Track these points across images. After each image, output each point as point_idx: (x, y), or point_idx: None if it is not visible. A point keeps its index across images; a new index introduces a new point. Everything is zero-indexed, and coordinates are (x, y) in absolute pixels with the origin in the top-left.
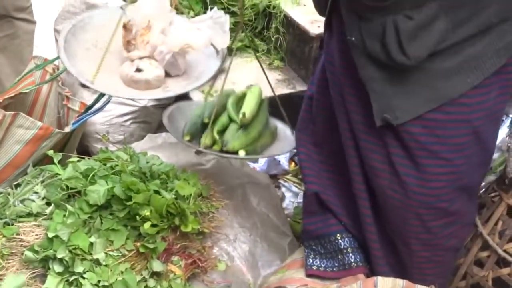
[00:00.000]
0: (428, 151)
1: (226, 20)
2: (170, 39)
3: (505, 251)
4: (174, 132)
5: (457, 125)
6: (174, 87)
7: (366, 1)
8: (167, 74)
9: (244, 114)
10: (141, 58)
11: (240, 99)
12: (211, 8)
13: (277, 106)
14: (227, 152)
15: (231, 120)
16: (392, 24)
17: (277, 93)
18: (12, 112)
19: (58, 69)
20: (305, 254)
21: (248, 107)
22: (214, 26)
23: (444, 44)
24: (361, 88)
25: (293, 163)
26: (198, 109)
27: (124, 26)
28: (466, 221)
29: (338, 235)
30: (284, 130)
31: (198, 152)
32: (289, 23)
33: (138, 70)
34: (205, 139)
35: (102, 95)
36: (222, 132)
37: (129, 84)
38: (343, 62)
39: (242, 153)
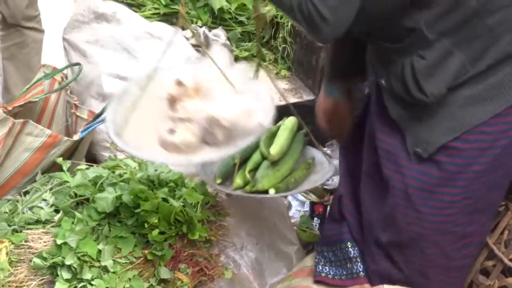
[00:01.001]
0: (448, 179)
1: (268, 97)
2: (199, 107)
3: (511, 260)
4: (205, 176)
5: (477, 153)
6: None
7: (385, 44)
8: (206, 142)
9: (269, 151)
10: (181, 119)
11: (273, 134)
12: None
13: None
14: (257, 192)
15: (263, 157)
16: (409, 64)
17: (284, 102)
18: (22, 120)
19: (66, 78)
20: (316, 260)
21: (278, 143)
22: (258, 99)
23: (464, 77)
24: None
25: None
26: None
27: (179, 82)
28: (481, 239)
29: (349, 243)
30: (321, 160)
31: (228, 195)
32: (296, 33)
33: (171, 131)
34: (237, 180)
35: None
36: (254, 170)
37: (161, 144)
38: (377, 102)
39: (272, 192)
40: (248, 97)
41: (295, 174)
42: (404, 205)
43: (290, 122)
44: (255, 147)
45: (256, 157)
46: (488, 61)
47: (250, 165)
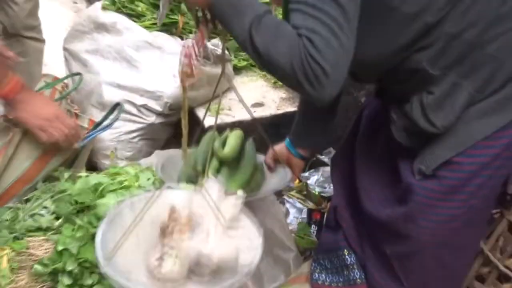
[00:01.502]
0: (449, 193)
1: (258, 235)
2: (189, 242)
3: (506, 266)
4: (169, 180)
5: (479, 167)
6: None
7: (394, 86)
8: (193, 272)
9: (221, 151)
10: (171, 248)
11: (224, 141)
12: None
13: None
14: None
15: (220, 164)
16: (418, 100)
17: (281, 111)
18: (23, 129)
19: (67, 87)
20: (312, 268)
21: (229, 144)
22: (248, 237)
23: (474, 105)
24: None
25: (297, 180)
26: (189, 157)
27: (173, 210)
28: (477, 247)
29: (345, 250)
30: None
31: None
32: None
33: (160, 259)
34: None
35: (111, 112)
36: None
37: (148, 272)
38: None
39: (240, 193)
40: (238, 234)
41: (255, 178)
42: (404, 218)
43: (237, 132)
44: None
45: (214, 163)
46: (495, 85)
47: (211, 170)
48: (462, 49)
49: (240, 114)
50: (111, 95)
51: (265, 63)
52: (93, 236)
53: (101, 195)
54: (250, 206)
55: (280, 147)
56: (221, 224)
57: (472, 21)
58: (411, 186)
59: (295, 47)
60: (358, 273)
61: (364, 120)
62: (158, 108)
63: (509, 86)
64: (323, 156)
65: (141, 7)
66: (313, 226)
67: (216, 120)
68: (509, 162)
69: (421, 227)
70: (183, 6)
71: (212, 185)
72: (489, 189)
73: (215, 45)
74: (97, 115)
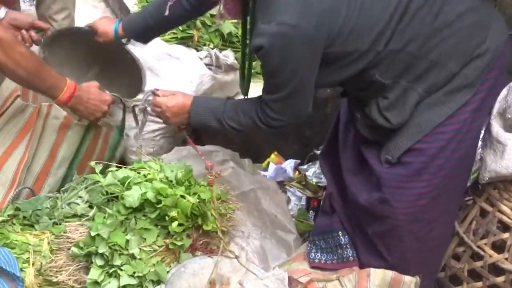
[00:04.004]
0: (414, 175)
1: (285, 277)
2: None
3: (478, 246)
4: None
5: (437, 151)
6: None
7: (355, 92)
8: None
9: None
10: None
11: None
12: (227, 41)
13: None
14: None
15: None
16: (375, 103)
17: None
18: (48, 103)
19: None
20: (308, 248)
21: None
22: (276, 281)
23: (423, 101)
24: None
25: (297, 172)
26: None
27: (210, 282)
28: (447, 221)
29: (340, 232)
30: None
31: None
32: None
33: None
34: None
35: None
36: None
37: None
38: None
39: None
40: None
41: None
42: (379, 202)
43: None
44: None
45: None
46: (439, 84)
47: None
48: (407, 60)
49: None
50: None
51: (241, 133)
52: (121, 223)
53: (128, 187)
54: (255, 195)
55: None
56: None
57: (412, 37)
58: (381, 174)
59: (255, 116)
60: (351, 252)
61: (342, 119)
62: None
63: (452, 82)
64: (319, 151)
65: None
66: (311, 211)
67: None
68: (461, 145)
69: (394, 207)
70: (197, 22)
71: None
72: (448, 170)
73: (226, 55)
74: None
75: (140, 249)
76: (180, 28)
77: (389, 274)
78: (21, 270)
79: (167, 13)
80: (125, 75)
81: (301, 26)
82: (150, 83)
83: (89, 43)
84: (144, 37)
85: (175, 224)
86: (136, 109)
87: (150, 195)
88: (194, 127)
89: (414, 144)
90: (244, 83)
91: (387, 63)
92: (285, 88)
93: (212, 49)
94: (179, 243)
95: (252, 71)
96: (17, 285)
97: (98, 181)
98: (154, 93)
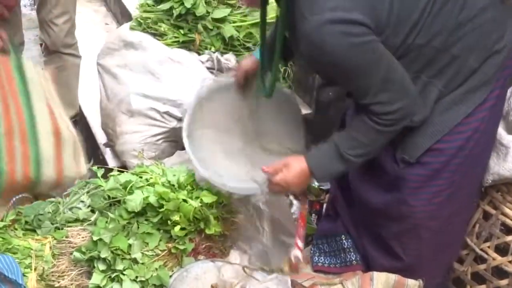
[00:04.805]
0: (434, 175)
1: (288, 280)
2: None
3: (481, 249)
4: None
5: (456, 150)
6: None
7: None
8: None
9: None
10: None
11: None
12: (229, 44)
13: None
14: None
15: None
16: None
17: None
18: None
19: None
20: (311, 252)
21: None
22: (279, 284)
23: (443, 98)
24: None
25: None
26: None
27: (212, 286)
28: (463, 217)
29: (343, 236)
30: None
31: None
32: None
33: None
34: None
35: None
36: None
37: None
38: None
39: None
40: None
41: None
42: (397, 202)
43: None
44: None
45: None
46: (459, 80)
47: None
48: (430, 54)
49: None
50: (138, 104)
51: (371, 154)
52: (123, 227)
53: (130, 191)
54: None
55: (247, 61)
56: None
57: (437, 31)
58: (399, 174)
59: (372, 123)
60: (355, 255)
61: (348, 119)
62: (179, 114)
63: (470, 80)
64: None
65: (163, 27)
66: (313, 215)
67: None
68: (479, 143)
69: (413, 206)
70: (199, 26)
71: None
72: (466, 167)
73: (227, 59)
74: (126, 121)
75: (142, 253)
76: (182, 32)
77: (392, 277)
78: (23, 275)
79: None
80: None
81: (351, 7)
82: (151, 87)
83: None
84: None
85: (177, 228)
86: (260, 204)
87: (152, 199)
88: (321, 181)
89: (434, 144)
90: (267, 83)
91: (411, 57)
92: (374, 71)
93: (214, 52)
94: (181, 247)
95: None
96: None
97: (100, 186)
98: (268, 176)
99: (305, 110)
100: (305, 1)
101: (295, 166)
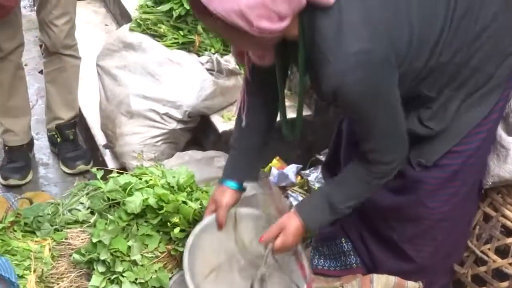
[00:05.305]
0: (452, 176)
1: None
2: None
3: (482, 251)
4: None
5: (473, 152)
6: None
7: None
8: None
9: None
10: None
11: None
12: (228, 46)
13: None
14: None
15: None
16: (416, 115)
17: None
18: None
19: None
20: (311, 254)
21: None
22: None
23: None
24: None
25: (299, 177)
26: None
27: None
28: (470, 212)
29: (343, 239)
30: None
31: None
32: None
33: None
34: None
35: None
36: None
37: None
38: None
39: None
40: None
41: None
42: (413, 204)
43: None
44: None
45: None
46: (478, 86)
47: None
48: (453, 70)
49: None
50: (138, 105)
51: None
52: (123, 229)
53: (130, 193)
54: (258, 201)
55: (227, 197)
56: None
57: (458, 47)
58: (416, 177)
59: (369, 177)
60: (354, 259)
61: (345, 132)
62: (179, 115)
63: (487, 84)
64: (321, 156)
65: (163, 28)
66: None
67: None
68: (491, 143)
69: (430, 208)
70: (199, 27)
71: None
72: (479, 167)
73: (227, 61)
74: (126, 123)
75: (142, 255)
76: (181, 33)
77: (392, 279)
78: (22, 277)
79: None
80: None
81: (376, 48)
82: (151, 89)
83: None
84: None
85: (177, 230)
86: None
87: (152, 201)
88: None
89: (452, 147)
90: (292, 129)
91: (435, 76)
92: (380, 120)
93: (214, 54)
94: (181, 249)
95: None
96: None
97: (100, 187)
98: (270, 249)
99: (305, 112)
100: (327, 44)
101: (291, 227)
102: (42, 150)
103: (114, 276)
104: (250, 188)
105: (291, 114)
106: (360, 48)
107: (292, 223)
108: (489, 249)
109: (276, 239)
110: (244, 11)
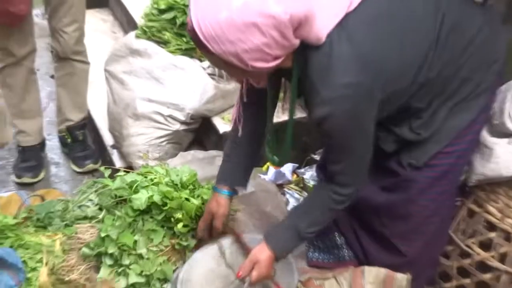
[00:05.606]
0: (442, 176)
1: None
2: None
3: (466, 245)
4: None
5: (463, 152)
6: None
7: (384, 119)
8: None
9: None
10: None
11: None
12: None
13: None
14: None
15: None
16: (407, 125)
17: (279, 120)
18: None
19: None
20: (306, 247)
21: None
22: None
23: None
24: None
25: (295, 175)
26: None
27: None
28: (451, 206)
29: (336, 234)
30: None
31: None
32: None
33: None
34: None
35: None
36: None
37: None
38: None
39: None
40: None
41: None
42: (405, 202)
43: None
44: None
45: None
46: (466, 93)
47: None
48: (442, 83)
49: None
50: (143, 107)
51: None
52: (129, 224)
53: (136, 190)
54: (258, 197)
55: (209, 206)
56: None
57: (446, 62)
58: (407, 177)
59: (326, 201)
60: (346, 252)
61: None
62: (182, 117)
63: (475, 91)
64: (316, 156)
65: (167, 35)
66: None
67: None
68: (478, 143)
69: (421, 205)
70: None
71: None
72: (464, 166)
73: None
74: (132, 124)
75: (147, 249)
76: (184, 40)
77: (382, 271)
78: (35, 269)
79: (240, 133)
80: None
81: (363, 81)
82: (155, 92)
83: None
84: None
85: (180, 225)
86: None
87: (157, 198)
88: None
89: (442, 148)
90: (279, 154)
91: (425, 90)
92: (355, 149)
93: None
94: (184, 243)
95: None
96: (19, 277)
97: (108, 185)
98: (248, 282)
99: (300, 114)
100: (317, 76)
101: (263, 258)
102: (53, 150)
103: (121, 268)
104: (249, 186)
105: (286, 116)
106: (348, 81)
107: (263, 255)
108: (473, 242)
109: (251, 272)
110: (241, 54)
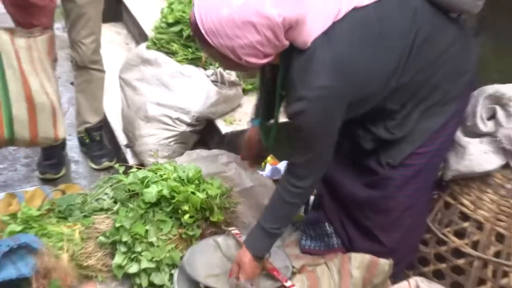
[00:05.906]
0: (416, 174)
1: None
2: None
3: (443, 234)
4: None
5: (435, 152)
6: None
7: (361, 119)
8: None
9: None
10: None
11: None
12: None
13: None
14: None
15: None
16: (383, 125)
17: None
18: None
19: None
20: (299, 236)
21: None
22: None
23: (423, 115)
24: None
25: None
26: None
27: None
28: (427, 200)
29: (326, 223)
30: None
31: None
32: None
33: None
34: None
35: None
36: None
37: None
38: None
39: None
40: None
41: None
42: (384, 198)
43: None
44: None
45: None
46: (437, 99)
47: None
48: (414, 88)
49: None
50: (153, 111)
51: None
52: (141, 216)
53: (147, 185)
54: (257, 192)
55: (246, 136)
56: None
57: (418, 69)
58: (385, 175)
59: (283, 195)
60: (336, 240)
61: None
62: (188, 120)
63: (445, 98)
64: None
65: (175, 46)
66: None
67: None
68: (450, 144)
69: (399, 202)
70: None
71: None
72: (438, 165)
73: (229, 73)
74: (144, 126)
75: (157, 237)
76: (190, 50)
77: (367, 257)
78: (57, 256)
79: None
80: None
81: (336, 86)
82: (164, 97)
83: None
84: None
85: (186, 216)
86: None
87: (166, 192)
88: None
89: (415, 149)
90: (269, 141)
91: (397, 94)
92: (319, 146)
93: (217, 68)
94: (190, 233)
95: (251, 86)
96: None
97: (122, 180)
98: (240, 283)
99: None
100: (297, 75)
101: (244, 260)
102: (73, 149)
103: (134, 255)
104: (248, 180)
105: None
106: (324, 84)
107: (244, 258)
108: (449, 231)
109: (239, 274)
110: (237, 49)
